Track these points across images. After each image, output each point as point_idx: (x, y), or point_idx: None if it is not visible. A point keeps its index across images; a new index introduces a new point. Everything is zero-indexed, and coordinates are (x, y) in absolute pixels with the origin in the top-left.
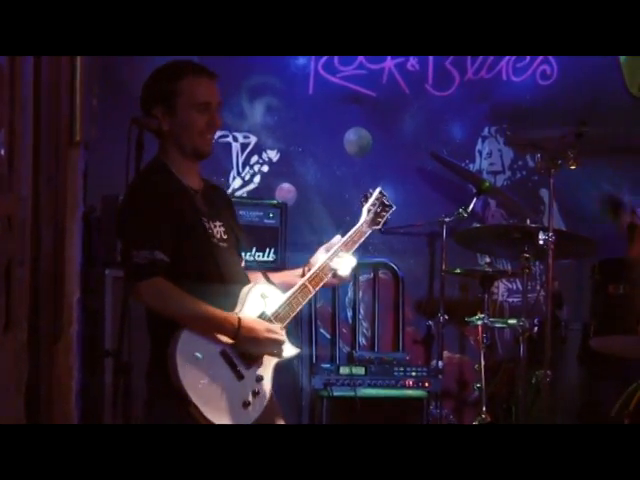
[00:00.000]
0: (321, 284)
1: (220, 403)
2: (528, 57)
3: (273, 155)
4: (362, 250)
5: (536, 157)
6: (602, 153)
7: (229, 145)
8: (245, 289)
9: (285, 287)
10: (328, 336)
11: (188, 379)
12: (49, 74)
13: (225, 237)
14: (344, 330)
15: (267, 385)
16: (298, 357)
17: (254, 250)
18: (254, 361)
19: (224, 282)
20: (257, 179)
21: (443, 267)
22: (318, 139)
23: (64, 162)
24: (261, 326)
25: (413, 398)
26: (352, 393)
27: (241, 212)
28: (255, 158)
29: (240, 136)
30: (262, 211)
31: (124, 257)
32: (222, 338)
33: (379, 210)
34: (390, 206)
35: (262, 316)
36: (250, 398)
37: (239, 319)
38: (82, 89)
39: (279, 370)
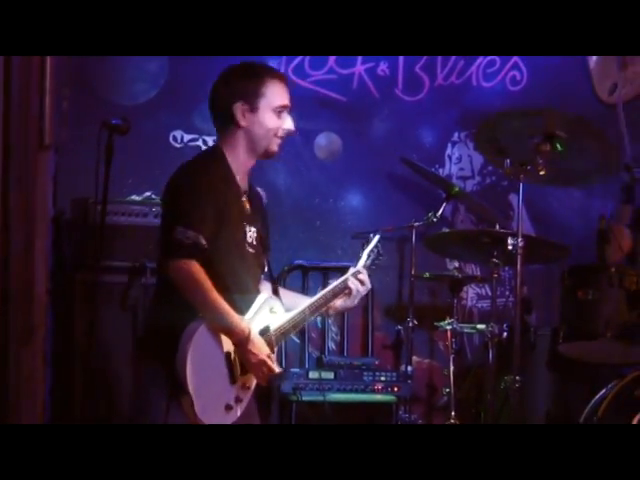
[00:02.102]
0: (316, 313)
1: (210, 401)
2: (498, 63)
3: None
4: (332, 255)
5: (505, 162)
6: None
7: (199, 149)
8: (260, 298)
9: (287, 305)
10: (297, 340)
11: (192, 369)
12: (19, 76)
13: (255, 244)
14: (313, 335)
15: (249, 394)
16: None
17: None
18: (248, 370)
19: (241, 286)
20: None
21: (412, 272)
22: (288, 143)
23: (34, 165)
24: (264, 349)
25: (382, 403)
26: (321, 398)
27: None
28: None
29: (210, 140)
30: None
31: (167, 229)
32: (230, 340)
33: (374, 257)
34: (382, 255)
35: (266, 329)
36: (233, 403)
37: (250, 330)
38: (52, 92)
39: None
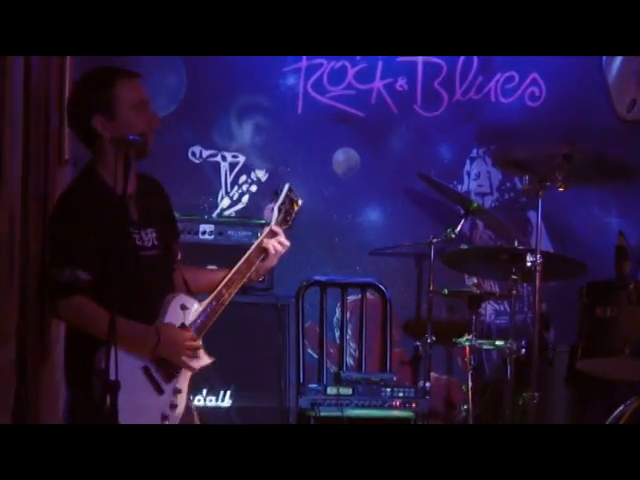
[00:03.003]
0: (237, 288)
1: (141, 418)
2: (517, 78)
3: (262, 175)
4: (350, 270)
5: (524, 179)
6: (590, 175)
7: (218, 165)
8: (166, 300)
9: (207, 288)
10: (315, 356)
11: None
12: (38, 92)
13: (157, 243)
14: (331, 350)
15: (184, 397)
16: (284, 377)
17: None
18: (173, 375)
19: (148, 294)
20: (245, 199)
21: (431, 288)
22: (306, 159)
23: (53, 180)
24: (180, 334)
25: (400, 419)
26: (339, 413)
27: (229, 232)
28: (244, 178)
29: (229, 156)
30: (250, 231)
31: (46, 274)
32: (143, 352)
33: (288, 208)
34: (297, 201)
35: (181, 327)
36: (168, 411)
37: (157, 329)
38: None
39: (264, 390)
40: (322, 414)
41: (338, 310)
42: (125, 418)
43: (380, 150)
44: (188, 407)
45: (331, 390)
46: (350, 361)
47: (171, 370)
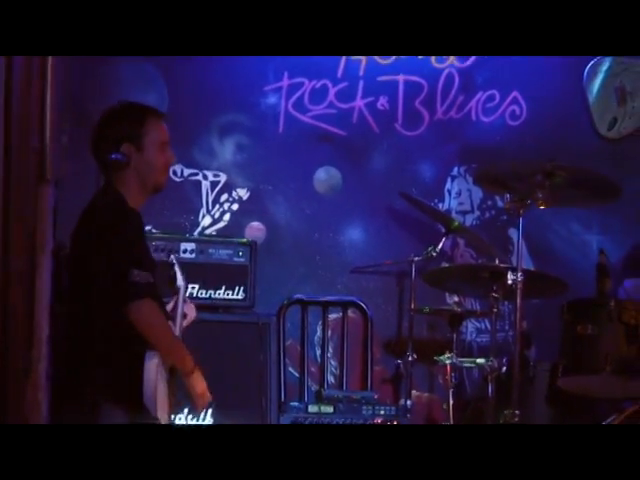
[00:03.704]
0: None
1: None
2: (497, 97)
3: (243, 193)
4: (331, 289)
5: (505, 197)
6: (571, 194)
7: (199, 183)
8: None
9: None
10: (297, 374)
11: (161, 404)
12: (19, 110)
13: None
14: (312, 369)
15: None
16: (265, 395)
17: (223, 288)
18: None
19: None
20: (227, 217)
21: (412, 306)
22: (288, 178)
23: (34, 199)
24: (204, 384)
25: None
26: None
27: (210, 250)
28: (225, 196)
29: (210, 174)
30: (232, 249)
31: (120, 274)
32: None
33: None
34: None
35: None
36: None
37: (195, 367)
38: (52, 126)
39: (246, 408)
40: None
41: (319, 328)
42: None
43: (361, 169)
44: None
45: (312, 408)
46: (331, 379)
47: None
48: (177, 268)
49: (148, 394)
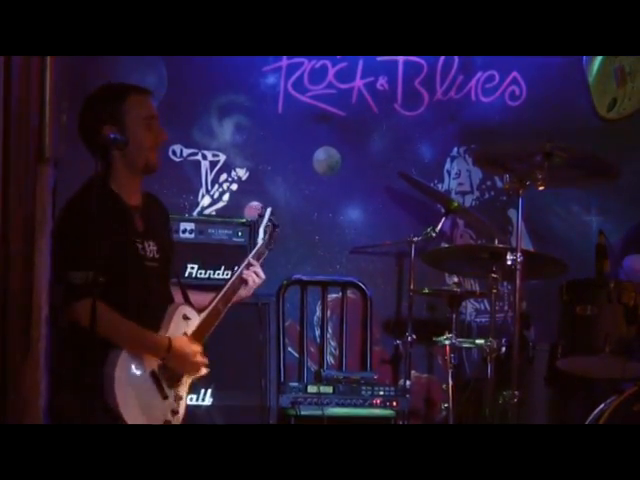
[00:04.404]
0: (230, 303)
1: (147, 421)
2: (497, 78)
3: (242, 173)
4: (331, 269)
5: (504, 178)
6: (570, 174)
7: (198, 163)
8: (170, 310)
9: (200, 306)
10: (296, 355)
11: (122, 399)
12: (19, 90)
13: (157, 256)
14: (312, 349)
15: (184, 403)
16: (265, 376)
17: (222, 268)
18: (176, 382)
19: (149, 302)
20: (226, 197)
21: (411, 287)
22: (287, 158)
23: (33, 178)
24: (190, 349)
25: (381, 417)
26: (320, 412)
27: (210, 230)
28: (224, 176)
29: (209, 154)
30: (231, 229)
31: (60, 276)
32: (151, 358)
33: (271, 231)
34: (277, 226)
35: (184, 336)
36: (170, 417)
37: (170, 340)
38: (52, 105)
39: (245, 388)
40: (303, 413)
41: (319, 309)
42: (132, 419)
43: (361, 149)
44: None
45: (312, 389)
46: (330, 359)
47: (174, 377)
48: (261, 228)
49: (107, 391)
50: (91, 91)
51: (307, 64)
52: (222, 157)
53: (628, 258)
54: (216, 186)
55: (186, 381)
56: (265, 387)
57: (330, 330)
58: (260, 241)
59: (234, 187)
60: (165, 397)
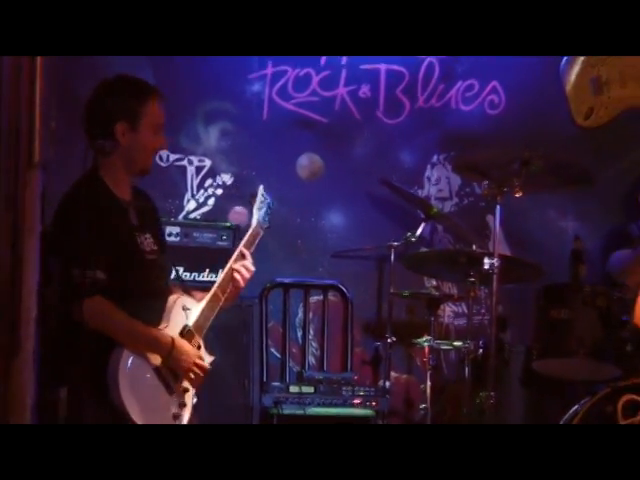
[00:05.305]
0: (228, 290)
1: (155, 418)
2: (477, 86)
3: (227, 178)
4: (313, 272)
5: (483, 184)
6: (547, 181)
7: (184, 168)
8: (170, 302)
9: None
10: (278, 355)
11: (128, 397)
12: (9, 95)
13: (155, 248)
14: (294, 350)
15: (190, 397)
16: (248, 376)
17: (207, 271)
18: (182, 375)
19: (151, 295)
20: (211, 202)
21: (391, 290)
22: (271, 163)
23: (23, 183)
24: (192, 352)
25: (361, 417)
26: (301, 411)
27: (194, 234)
28: (210, 181)
29: (195, 160)
30: (215, 233)
31: (63, 275)
32: (154, 356)
33: (265, 209)
34: (271, 203)
35: (185, 328)
36: (178, 410)
37: (173, 340)
38: (41, 112)
39: (229, 388)
40: (285, 412)
41: (301, 311)
42: (140, 418)
43: (343, 155)
44: (193, 409)
45: (294, 389)
46: (312, 360)
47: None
48: (255, 207)
49: (115, 398)
50: (107, 77)
51: (291, 72)
52: (208, 162)
53: (615, 256)
54: (201, 191)
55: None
56: (248, 387)
57: (312, 332)
58: (254, 221)
59: (219, 192)
60: (172, 392)
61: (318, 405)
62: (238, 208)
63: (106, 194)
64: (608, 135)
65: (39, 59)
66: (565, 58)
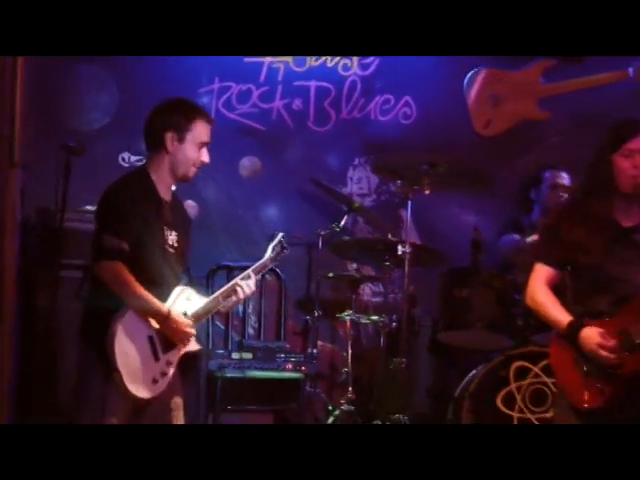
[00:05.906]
0: (228, 298)
1: (137, 375)
2: (392, 101)
3: None
4: (252, 257)
5: (397, 183)
6: (452, 181)
7: None
8: (177, 290)
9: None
10: (222, 327)
11: (119, 349)
12: None
13: (176, 245)
14: (235, 322)
15: (172, 369)
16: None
17: None
18: (170, 349)
19: (161, 280)
20: None
21: (319, 272)
22: (217, 165)
23: (5, 180)
24: (184, 321)
25: (292, 379)
26: (241, 374)
27: None
28: None
29: None
30: None
31: (96, 238)
32: (152, 323)
33: (279, 250)
34: (286, 248)
35: (184, 314)
36: (159, 377)
37: (169, 310)
38: (21, 118)
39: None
40: (227, 375)
41: None
42: (126, 371)
43: (279, 158)
44: (175, 380)
45: (235, 355)
46: (251, 331)
47: (169, 344)
48: (270, 246)
49: (108, 345)
50: (168, 98)
51: (235, 87)
52: None
53: (504, 238)
54: None
55: (178, 351)
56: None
57: (251, 307)
58: (267, 256)
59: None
60: (157, 359)
61: (256, 369)
62: (188, 202)
63: (149, 187)
64: (504, 142)
65: (20, 59)
66: (467, 77)
